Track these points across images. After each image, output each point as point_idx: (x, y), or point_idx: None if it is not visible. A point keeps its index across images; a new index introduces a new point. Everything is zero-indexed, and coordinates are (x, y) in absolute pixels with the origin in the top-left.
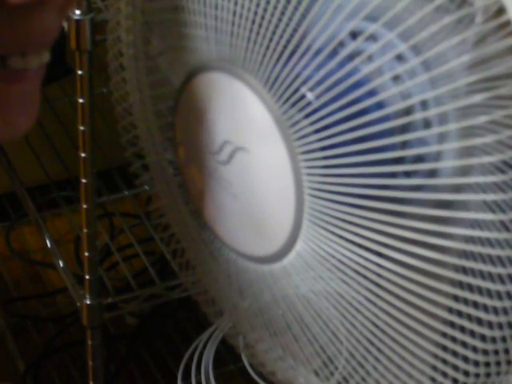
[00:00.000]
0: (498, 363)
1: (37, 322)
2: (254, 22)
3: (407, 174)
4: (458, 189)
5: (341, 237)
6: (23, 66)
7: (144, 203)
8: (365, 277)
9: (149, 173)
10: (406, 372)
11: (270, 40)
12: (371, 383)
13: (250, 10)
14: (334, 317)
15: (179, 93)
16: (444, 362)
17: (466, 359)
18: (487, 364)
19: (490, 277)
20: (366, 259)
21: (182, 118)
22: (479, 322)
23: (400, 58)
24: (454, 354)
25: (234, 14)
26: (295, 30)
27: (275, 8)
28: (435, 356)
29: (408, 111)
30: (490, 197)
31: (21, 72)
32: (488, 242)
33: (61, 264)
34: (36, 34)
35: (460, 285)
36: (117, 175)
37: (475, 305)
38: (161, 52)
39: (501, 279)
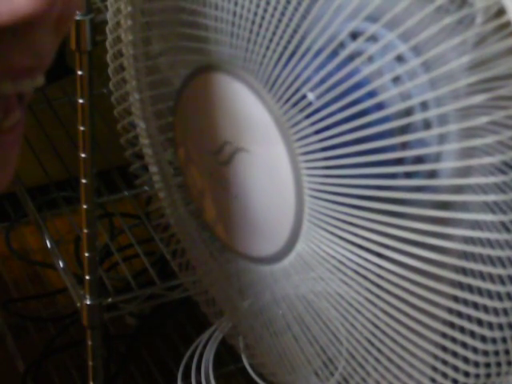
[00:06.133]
0: (499, 364)
1: (37, 322)
2: (254, 22)
3: (407, 175)
4: (458, 190)
5: (341, 237)
6: (14, 91)
7: (144, 203)
8: (365, 277)
9: (149, 173)
10: (406, 372)
11: (270, 41)
12: None
13: (250, 11)
14: (334, 317)
15: (179, 93)
16: (444, 362)
17: (466, 360)
18: (487, 365)
19: (490, 278)
20: (366, 260)
21: (182, 118)
22: (479, 322)
23: (400, 58)
24: (454, 354)
25: (234, 14)
26: (295, 31)
27: (275, 9)
28: (435, 357)
29: (408, 112)
30: (491, 197)
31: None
32: (488, 243)
33: (61, 264)
34: (28, 58)
35: (460, 285)
36: (117, 175)
37: (475, 305)
38: (161, 52)
39: (501, 280)
